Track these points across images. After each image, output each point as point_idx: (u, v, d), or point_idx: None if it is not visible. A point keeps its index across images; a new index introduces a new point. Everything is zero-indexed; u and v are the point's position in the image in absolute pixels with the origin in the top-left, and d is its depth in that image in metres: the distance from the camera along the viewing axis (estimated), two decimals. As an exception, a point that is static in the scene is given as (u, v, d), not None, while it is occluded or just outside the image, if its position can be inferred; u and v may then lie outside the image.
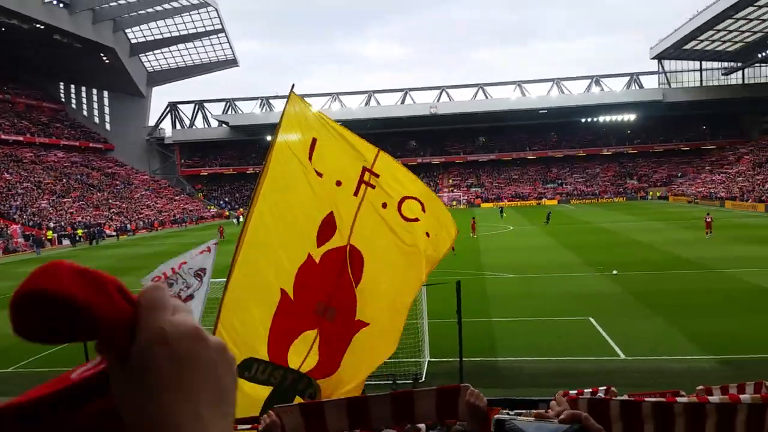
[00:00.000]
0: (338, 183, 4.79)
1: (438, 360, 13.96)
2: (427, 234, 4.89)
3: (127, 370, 0.58)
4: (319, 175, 4.73)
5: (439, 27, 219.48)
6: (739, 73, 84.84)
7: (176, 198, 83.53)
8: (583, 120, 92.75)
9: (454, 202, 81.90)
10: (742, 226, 41.09)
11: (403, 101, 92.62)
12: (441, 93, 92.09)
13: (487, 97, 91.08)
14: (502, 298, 21.13)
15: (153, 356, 0.57)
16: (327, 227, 4.69)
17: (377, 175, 4.86)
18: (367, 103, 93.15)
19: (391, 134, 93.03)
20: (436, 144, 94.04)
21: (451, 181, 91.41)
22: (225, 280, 5.01)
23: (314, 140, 4.78)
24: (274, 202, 4.67)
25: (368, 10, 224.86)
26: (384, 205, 4.82)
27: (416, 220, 4.94)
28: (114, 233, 58.42)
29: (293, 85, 4.99)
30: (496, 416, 0.88)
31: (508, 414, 0.97)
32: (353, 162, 4.85)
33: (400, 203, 4.91)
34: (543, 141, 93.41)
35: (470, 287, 21.80)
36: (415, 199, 4.89)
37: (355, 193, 4.77)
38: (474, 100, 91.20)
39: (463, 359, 11.96)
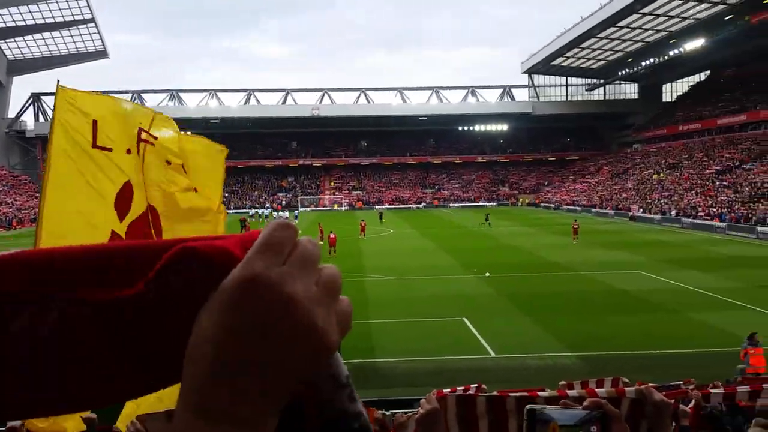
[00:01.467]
0: (128, 151, 4.77)
1: (317, 362, 13.83)
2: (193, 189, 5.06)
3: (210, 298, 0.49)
4: (108, 150, 4.65)
5: (323, 29, 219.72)
6: (602, 89, 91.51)
7: (37, 195, 77.43)
8: (461, 128, 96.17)
9: (336, 205, 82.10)
10: (603, 231, 44.16)
11: (284, 101, 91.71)
12: (323, 95, 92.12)
13: (369, 102, 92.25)
14: (381, 300, 21.38)
15: (214, 305, 0.48)
16: (123, 199, 4.64)
17: (155, 137, 4.92)
18: (247, 101, 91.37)
19: (272, 135, 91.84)
20: (318, 146, 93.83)
21: (332, 183, 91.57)
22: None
23: (95, 122, 4.68)
24: (63, 191, 4.51)
25: (252, 7, 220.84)
26: (168, 162, 4.92)
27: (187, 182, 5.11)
28: (-36, 232, 53.38)
29: (58, 81, 4.82)
30: (528, 406, 0.91)
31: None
32: (131, 127, 4.85)
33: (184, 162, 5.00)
34: (423, 147, 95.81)
35: (351, 289, 21.92)
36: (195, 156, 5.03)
37: (138, 154, 4.80)
38: (357, 104, 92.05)
39: (343, 361, 11.96)
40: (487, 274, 25.50)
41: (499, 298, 21.54)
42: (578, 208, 66.56)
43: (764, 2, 51.55)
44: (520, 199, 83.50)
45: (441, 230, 48.10)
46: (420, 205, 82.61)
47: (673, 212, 49.87)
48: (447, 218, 61.69)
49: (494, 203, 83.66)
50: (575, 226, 38.47)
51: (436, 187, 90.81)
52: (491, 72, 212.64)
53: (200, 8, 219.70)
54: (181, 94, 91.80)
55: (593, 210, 63.52)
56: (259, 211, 66.04)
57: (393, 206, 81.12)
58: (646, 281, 24.13)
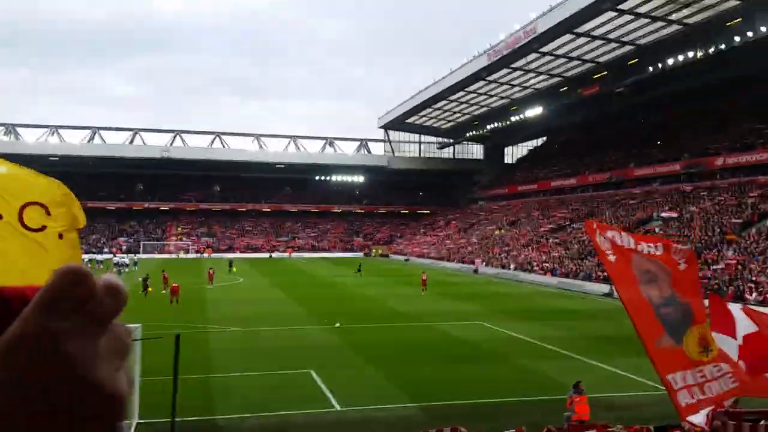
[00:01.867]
0: None
1: (149, 421, 12.89)
2: (60, 235, 4.53)
3: None
4: None
5: (177, 71, 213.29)
6: (452, 148, 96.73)
7: None
8: (318, 178, 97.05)
9: (182, 252, 78.57)
10: (449, 283, 45.84)
11: (132, 141, 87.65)
12: (175, 137, 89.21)
13: (225, 147, 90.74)
14: (225, 352, 20.52)
15: None
16: None
17: None
18: (91, 139, 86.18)
19: (118, 175, 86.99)
20: (167, 189, 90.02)
21: (180, 228, 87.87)
22: None
23: None
24: None
25: (100, 42, 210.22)
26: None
27: (42, 228, 4.57)
28: None
29: None
30: None
31: None
32: None
33: (21, 211, 4.52)
34: (279, 195, 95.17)
35: (192, 341, 20.80)
36: (39, 204, 4.53)
37: None
38: (211, 147, 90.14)
39: (178, 419, 11.21)
40: (338, 325, 25.41)
41: (347, 348, 21.45)
42: (427, 260, 68.78)
43: (594, 77, 57.54)
44: (373, 250, 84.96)
45: (293, 279, 47.57)
46: (273, 254, 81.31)
47: (512, 266, 53.06)
48: (300, 267, 61.25)
49: (355, 253, 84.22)
50: (424, 278, 39.65)
51: (291, 235, 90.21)
52: (348, 125, 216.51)
53: (42, 38, 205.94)
54: (18, 129, 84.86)
55: (441, 262, 65.91)
56: (96, 256, 61.61)
57: (245, 254, 79.25)
58: (486, 331, 25.21)
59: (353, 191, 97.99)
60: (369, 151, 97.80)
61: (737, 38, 40.87)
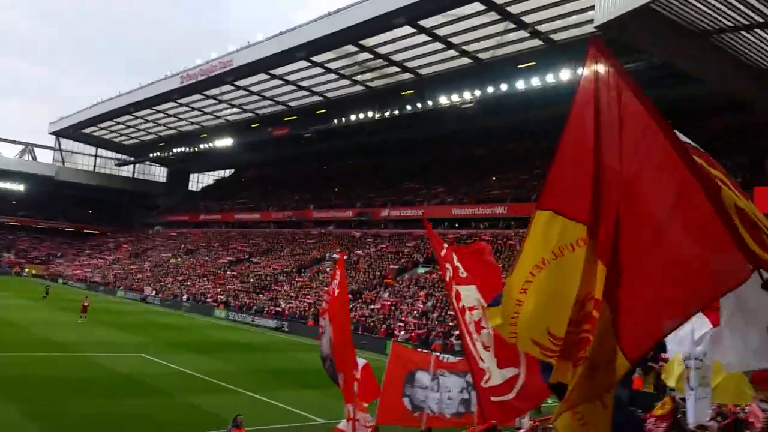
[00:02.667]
0: None
1: None
2: None
3: None
4: None
5: None
6: (132, 167, 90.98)
7: None
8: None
9: None
10: (114, 311, 42.45)
11: None
12: None
13: None
14: None
15: None
16: None
17: None
18: None
19: None
20: None
21: None
22: None
23: None
24: None
25: None
26: None
27: None
28: None
29: None
30: None
31: None
32: None
33: None
34: None
35: None
36: None
37: None
38: None
39: None
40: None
41: (-25, 383, 18.19)
42: (81, 284, 63.00)
43: (285, 119, 59.77)
44: (26, 269, 74.88)
45: None
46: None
47: (185, 296, 51.43)
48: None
49: (2, 271, 72.93)
50: (85, 304, 36.06)
51: None
52: (15, 127, 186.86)
53: None
54: None
55: (106, 287, 60.99)
56: None
57: None
58: (150, 365, 23.78)
59: (9, 200, 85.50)
60: (35, 158, 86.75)
61: (409, 107, 46.59)
